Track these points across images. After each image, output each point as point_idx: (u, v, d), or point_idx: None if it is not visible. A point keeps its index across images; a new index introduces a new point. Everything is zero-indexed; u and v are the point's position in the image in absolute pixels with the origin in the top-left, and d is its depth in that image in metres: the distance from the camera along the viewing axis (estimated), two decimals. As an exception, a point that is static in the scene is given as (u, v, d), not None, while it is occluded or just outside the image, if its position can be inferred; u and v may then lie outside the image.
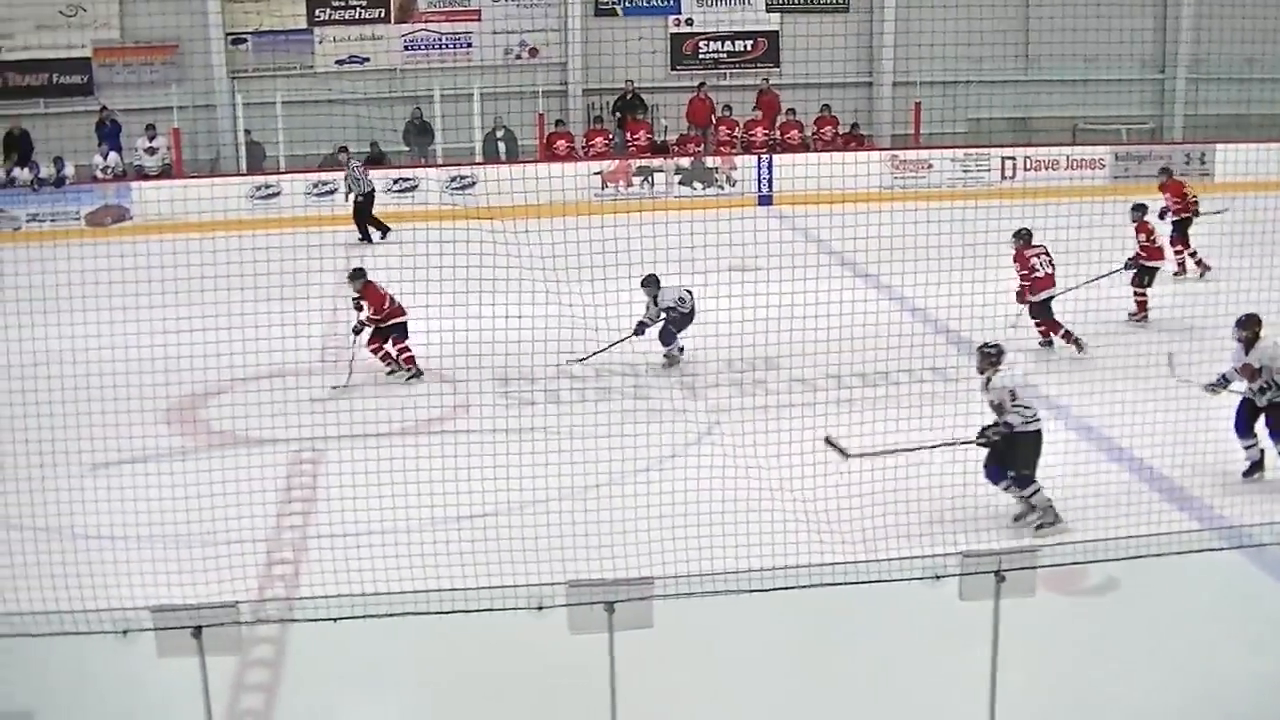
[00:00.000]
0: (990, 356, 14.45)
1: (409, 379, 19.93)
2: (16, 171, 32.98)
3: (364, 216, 30.41)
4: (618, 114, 35.15)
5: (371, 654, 11.07)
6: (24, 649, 9.57)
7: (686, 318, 20.24)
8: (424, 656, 11.33)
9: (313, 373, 19.32)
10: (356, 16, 35.83)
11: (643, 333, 20.05)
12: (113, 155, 33.54)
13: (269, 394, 17.56)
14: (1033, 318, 20.42)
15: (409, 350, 20.02)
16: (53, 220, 32.53)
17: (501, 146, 34.33)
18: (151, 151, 33.74)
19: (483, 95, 33.96)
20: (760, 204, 31.97)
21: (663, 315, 20.17)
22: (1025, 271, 20.18)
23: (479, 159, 33.73)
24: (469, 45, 36.00)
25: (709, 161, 33.45)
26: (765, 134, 34.69)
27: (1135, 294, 21.89)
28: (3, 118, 34.25)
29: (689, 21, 36.26)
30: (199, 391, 18.75)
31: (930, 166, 33.67)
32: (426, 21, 35.91)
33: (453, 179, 32.00)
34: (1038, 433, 14.21)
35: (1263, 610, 12.43)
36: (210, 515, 13.47)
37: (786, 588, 9.68)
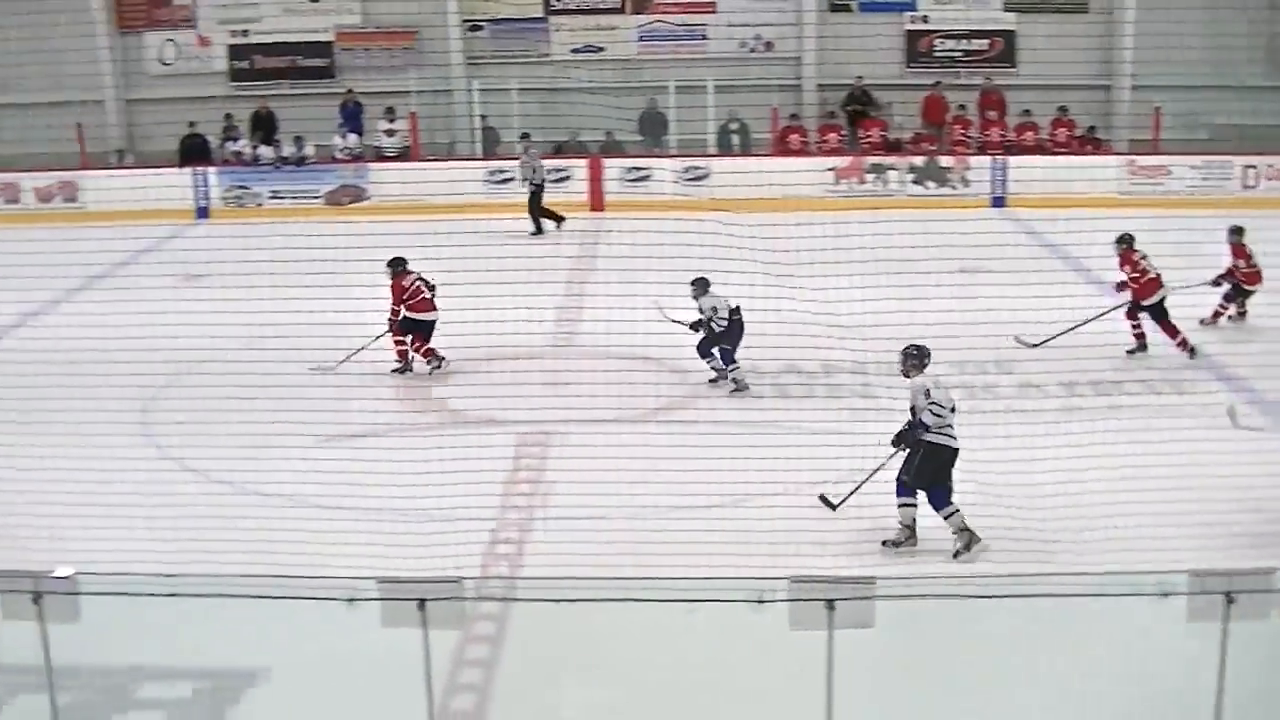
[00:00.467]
0: (912, 358, 14.41)
1: (432, 370, 19.51)
2: (261, 150, 33.72)
3: (535, 207, 30.36)
4: (847, 111, 34.94)
5: (590, 638, 11.15)
6: (257, 611, 9.81)
7: (726, 333, 18.89)
8: (642, 643, 11.38)
9: (544, 356, 19.47)
10: (593, 6, 36.05)
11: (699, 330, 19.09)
12: (352, 136, 34.14)
13: (501, 375, 17.81)
14: (1154, 319, 20.01)
15: (433, 351, 19.42)
16: (293, 198, 33.22)
17: (735, 139, 34.35)
18: (390, 134, 34.27)
19: (717, 88, 33.94)
20: (993, 205, 31.62)
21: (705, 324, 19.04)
22: (1136, 275, 19.83)
23: (712, 151, 33.75)
24: (703, 37, 36.01)
25: (943, 161, 33.14)
26: (1000, 135, 34.29)
27: (1221, 306, 21.49)
28: (250, 98, 35.12)
29: (924, 19, 35.88)
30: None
31: (1168, 173, 32.96)
32: (663, 13, 36.03)
33: (685, 170, 32.05)
34: (946, 447, 13.91)
35: None
36: (439, 491, 13.65)
37: (1013, 595, 9.62)
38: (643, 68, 35.76)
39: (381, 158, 34.17)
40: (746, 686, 10.96)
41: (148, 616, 10.42)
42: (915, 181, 32.67)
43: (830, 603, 8.64)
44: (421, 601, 8.84)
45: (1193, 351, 19.72)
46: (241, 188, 32.58)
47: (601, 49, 36.06)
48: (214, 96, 35.34)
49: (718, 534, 12.96)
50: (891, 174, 32.74)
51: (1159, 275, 19.84)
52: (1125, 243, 20.19)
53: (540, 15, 36.05)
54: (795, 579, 8.75)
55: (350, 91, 34.89)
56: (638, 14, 36.04)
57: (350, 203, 32.98)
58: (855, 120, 34.59)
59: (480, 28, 36.01)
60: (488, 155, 34.01)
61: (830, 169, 32.68)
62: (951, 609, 9.86)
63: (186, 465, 16.12)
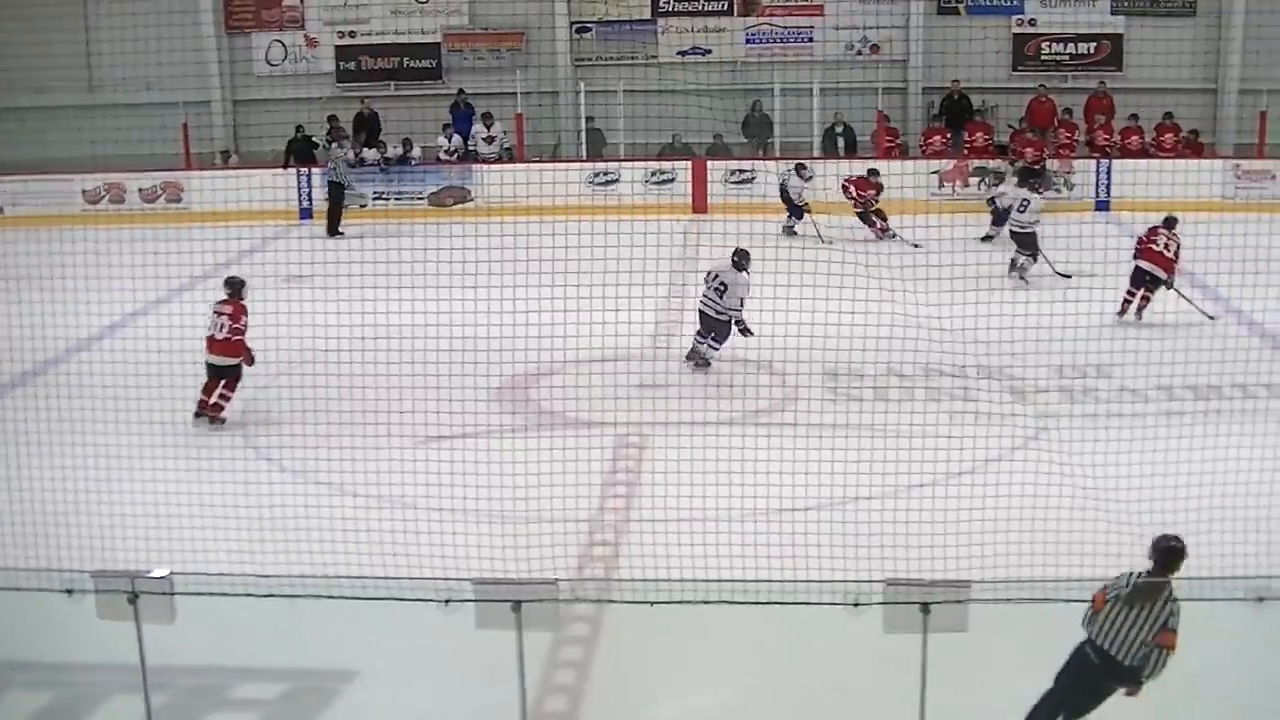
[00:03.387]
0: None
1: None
2: (366, 151, 33.95)
3: (335, 209, 31.37)
4: (944, 115, 34.75)
5: (685, 640, 11.18)
6: (352, 611, 9.90)
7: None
8: (737, 645, 11.40)
9: (644, 359, 19.51)
10: (701, 8, 36.09)
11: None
12: (457, 138, 34.34)
13: (600, 377, 17.85)
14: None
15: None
16: (397, 199, 33.48)
17: (840, 141, 34.28)
18: (489, 140, 34.45)
19: (822, 90, 33.89)
20: (1098, 209, 31.37)
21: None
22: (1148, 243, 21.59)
23: (817, 154, 33.67)
24: (810, 40, 35.99)
25: (1049, 164, 32.88)
26: (1106, 138, 34.04)
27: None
28: (355, 99, 35.39)
29: (1032, 22, 35.69)
30: (531, 371, 19.10)
31: (1274, 177, 32.62)
32: (770, 15, 36.02)
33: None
34: None
35: None
36: (535, 493, 13.71)
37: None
38: (748, 70, 35.77)
39: (482, 160, 34.30)
40: (840, 690, 10.97)
41: (242, 617, 10.56)
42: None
43: (925, 606, 8.63)
44: (517, 604, 8.88)
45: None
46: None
47: (709, 51, 36.12)
48: (320, 98, 35.68)
49: (813, 537, 12.92)
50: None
51: (1171, 260, 21.50)
52: (1168, 224, 22.01)
53: (648, 17, 36.16)
54: (890, 581, 8.74)
55: (461, 92, 35.18)
56: (745, 16, 36.05)
57: (454, 204, 33.16)
58: (956, 123, 34.40)
59: (588, 29, 36.17)
60: (592, 157, 34.13)
61: (934, 172, 32.56)
62: (1045, 612, 9.82)
63: (284, 466, 16.26)
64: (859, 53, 35.74)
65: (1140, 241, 21.82)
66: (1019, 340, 17.99)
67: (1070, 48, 35.71)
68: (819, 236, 27.43)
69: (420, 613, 9.28)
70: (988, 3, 35.68)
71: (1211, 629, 10.29)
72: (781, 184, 30.20)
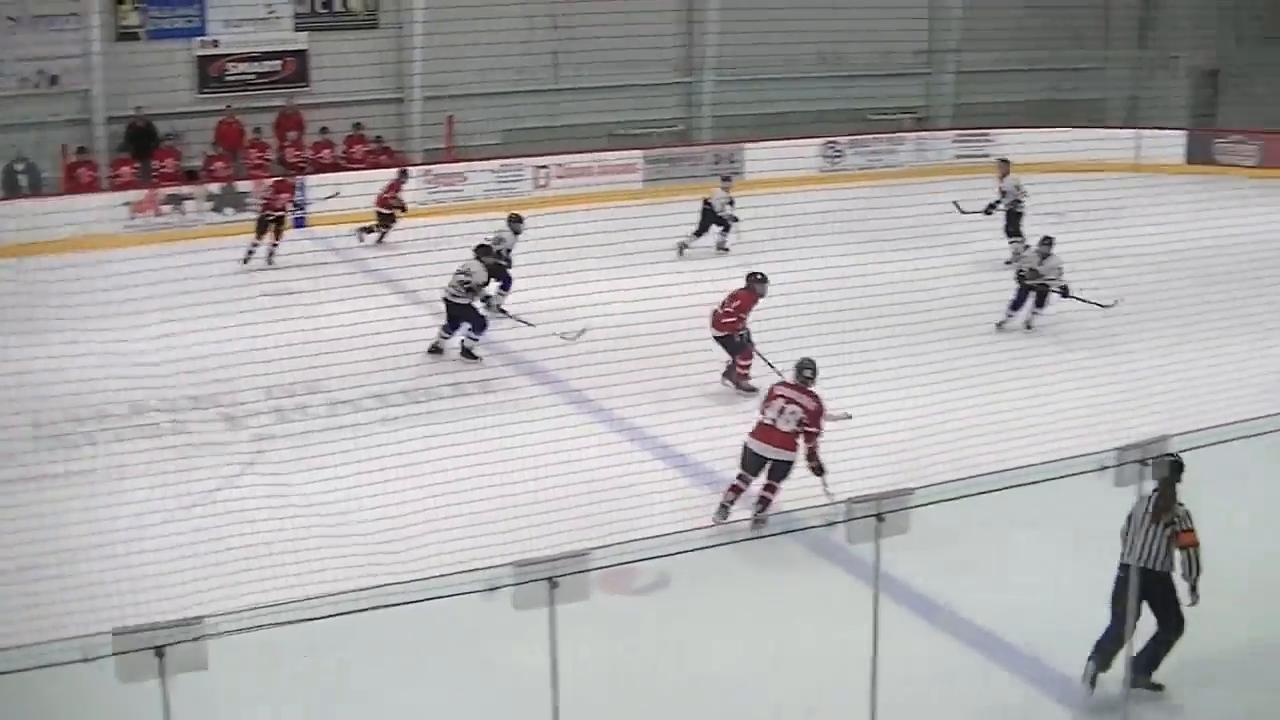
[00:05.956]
0: None
1: None
2: None
3: None
4: (131, 144, 33.90)
5: None
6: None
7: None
8: None
9: None
10: None
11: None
12: None
13: None
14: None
15: None
16: None
17: (24, 179, 32.88)
18: None
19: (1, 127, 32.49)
20: (297, 226, 31.29)
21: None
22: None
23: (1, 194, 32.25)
24: (-17, 77, 34.47)
25: (240, 186, 32.63)
26: (298, 155, 34.18)
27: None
28: None
29: (215, 43, 35.33)
30: None
31: (466, 179, 33.83)
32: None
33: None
34: None
35: (813, 584, 13.14)
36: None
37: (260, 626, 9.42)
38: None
39: None
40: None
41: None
42: (215, 209, 32.14)
43: (159, 649, 8.23)
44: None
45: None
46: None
47: None
48: None
49: (37, 596, 12.34)
50: (189, 204, 32.04)
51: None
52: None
53: None
54: (117, 631, 8.31)
55: None
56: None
57: None
58: (142, 152, 33.66)
59: None
60: None
61: (125, 204, 31.73)
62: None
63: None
64: (36, 85, 34.38)
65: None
66: (227, 366, 17.84)
67: (256, 66, 35.55)
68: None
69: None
70: (168, 26, 35.05)
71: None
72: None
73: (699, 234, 28.52)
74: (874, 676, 9.47)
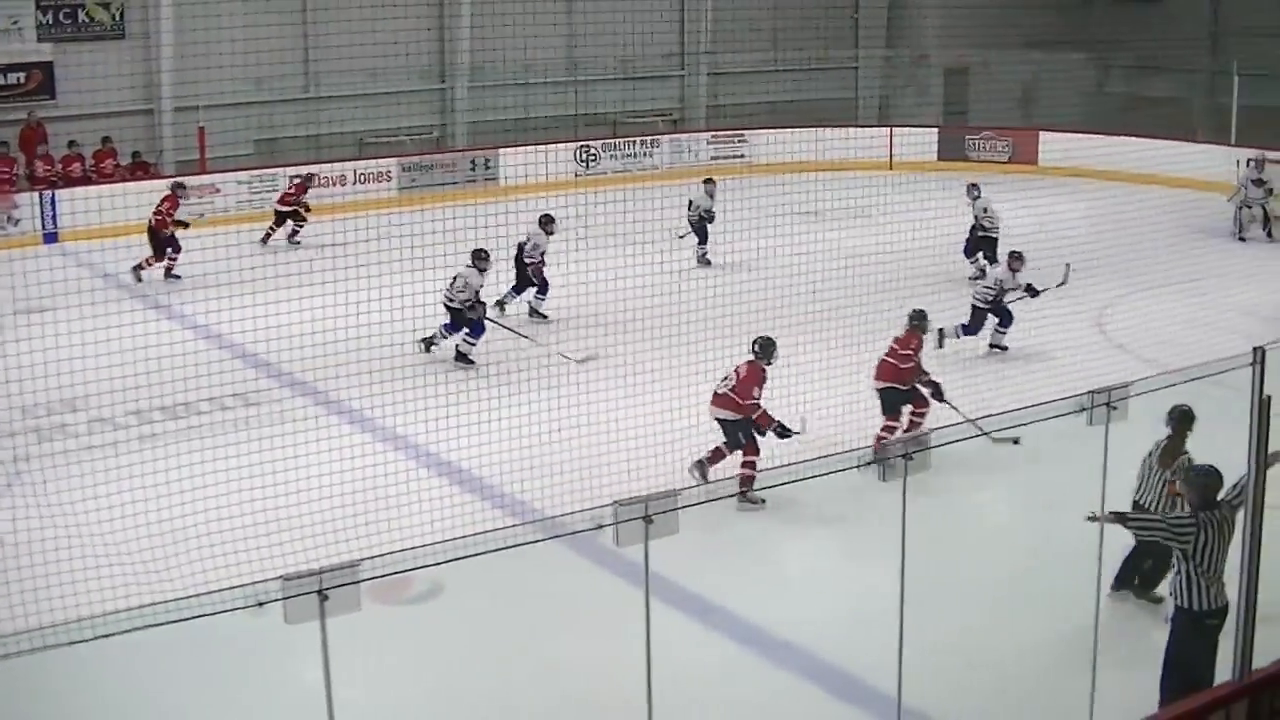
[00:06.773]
0: None
1: None
2: None
3: None
4: None
5: None
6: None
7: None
8: None
9: None
10: None
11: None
12: None
13: None
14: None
15: None
16: None
17: None
18: None
19: None
20: (47, 241, 30.64)
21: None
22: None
23: None
24: None
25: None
26: (47, 169, 33.47)
27: None
28: None
29: (-49, 56, 34.48)
30: None
31: (218, 190, 33.49)
32: None
33: None
34: None
35: (584, 585, 13.13)
36: None
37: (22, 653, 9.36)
38: None
39: None
40: None
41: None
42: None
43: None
44: None
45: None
46: None
47: None
48: None
49: None
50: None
51: None
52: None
53: None
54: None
55: None
56: None
57: None
58: None
59: None
60: None
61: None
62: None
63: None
64: None
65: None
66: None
67: (1, 79, 34.76)
68: None
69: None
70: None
71: (215, 643, 10.42)
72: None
73: (701, 242, 28.55)
74: (649, 679, 9.64)
